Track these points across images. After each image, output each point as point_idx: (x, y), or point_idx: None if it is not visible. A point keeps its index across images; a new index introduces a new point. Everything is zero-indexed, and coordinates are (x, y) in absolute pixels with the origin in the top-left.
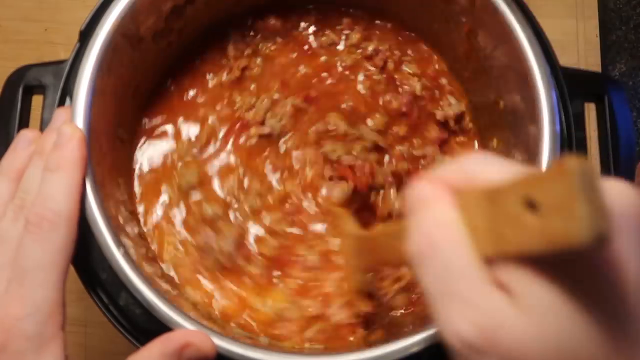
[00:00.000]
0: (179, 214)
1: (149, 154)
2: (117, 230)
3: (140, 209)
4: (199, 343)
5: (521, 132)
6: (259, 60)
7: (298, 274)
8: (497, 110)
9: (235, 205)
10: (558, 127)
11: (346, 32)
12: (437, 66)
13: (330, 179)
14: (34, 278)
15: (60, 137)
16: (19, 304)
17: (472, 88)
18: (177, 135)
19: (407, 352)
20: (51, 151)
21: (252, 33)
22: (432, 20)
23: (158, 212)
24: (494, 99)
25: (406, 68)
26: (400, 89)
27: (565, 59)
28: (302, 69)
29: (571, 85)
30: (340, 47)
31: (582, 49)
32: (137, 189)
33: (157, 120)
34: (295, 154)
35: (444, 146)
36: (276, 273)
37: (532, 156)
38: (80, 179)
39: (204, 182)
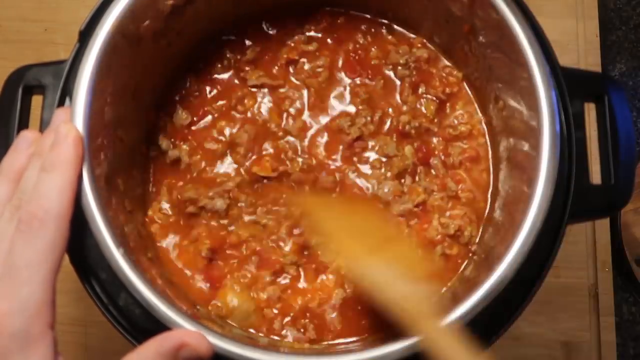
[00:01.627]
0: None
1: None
2: (116, 231)
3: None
4: (195, 343)
5: (522, 131)
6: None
7: None
8: (497, 110)
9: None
10: (558, 127)
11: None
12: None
13: None
14: (22, 275)
15: (56, 137)
16: (6, 300)
17: (471, 88)
18: None
19: (408, 352)
20: (48, 151)
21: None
22: (432, 21)
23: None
24: (494, 99)
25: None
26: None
27: (565, 59)
28: None
29: (571, 85)
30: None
31: (582, 49)
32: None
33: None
34: None
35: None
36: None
37: (532, 157)
38: (75, 178)
39: None
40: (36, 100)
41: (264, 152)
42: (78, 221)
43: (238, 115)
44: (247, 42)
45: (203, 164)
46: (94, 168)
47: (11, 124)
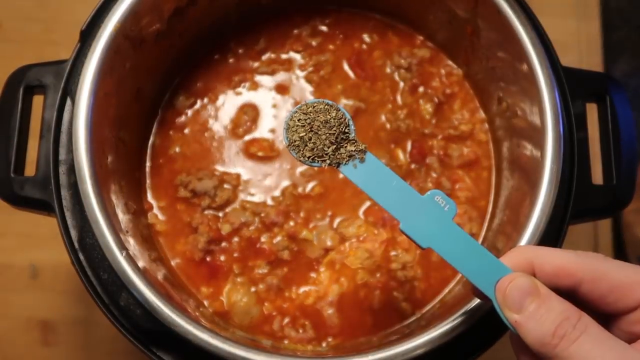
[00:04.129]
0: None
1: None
2: (119, 233)
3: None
4: None
5: (525, 132)
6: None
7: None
8: (500, 111)
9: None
10: (562, 128)
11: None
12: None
13: None
14: None
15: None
16: None
17: (474, 87)
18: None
19: (410, 354)
20: None
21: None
22: (436, 22)
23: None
24: (497, 100)
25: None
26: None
27: (567, 59)
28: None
29: (573, 86)
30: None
31: (583, 49)
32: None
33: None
34: None
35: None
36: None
37: (535, 158)
38: None
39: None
40: (37, 100)
41: (261, 135)
42: (80, 222)
43: (239, 98)
44: (255, 34)
45: (201, 151)
46: (96, 170)
47: (12, 124)
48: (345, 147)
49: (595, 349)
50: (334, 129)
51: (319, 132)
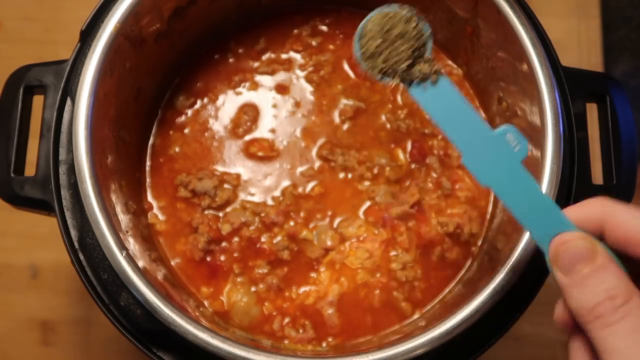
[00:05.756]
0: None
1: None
2: (119, 233)
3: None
4: None
5: (525, 132)
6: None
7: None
8: (500, 111)
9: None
10: (562, 128)
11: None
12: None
13: None
14: None
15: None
16: None
17: (474, 87)
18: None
19: (410, 354)
20: None
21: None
22: (435, 22)
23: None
24: (497, 100)
25: None
26: None
27: (567, 59)
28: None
29: (573, 85)
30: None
31: (584, 49)
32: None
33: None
34: None
35: None
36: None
37: (535, 158)
38: None
39: None
40: (37, 100)
41: (261, 135)
42: (80, 222)
43: (239, 98)
44: (255, 34)
45: (201, 151)
46: (97, 169)
47: (12, 124)
48: (420, 64)
49: (625, 341)
50: (412, 41)
51: (395, 44)
